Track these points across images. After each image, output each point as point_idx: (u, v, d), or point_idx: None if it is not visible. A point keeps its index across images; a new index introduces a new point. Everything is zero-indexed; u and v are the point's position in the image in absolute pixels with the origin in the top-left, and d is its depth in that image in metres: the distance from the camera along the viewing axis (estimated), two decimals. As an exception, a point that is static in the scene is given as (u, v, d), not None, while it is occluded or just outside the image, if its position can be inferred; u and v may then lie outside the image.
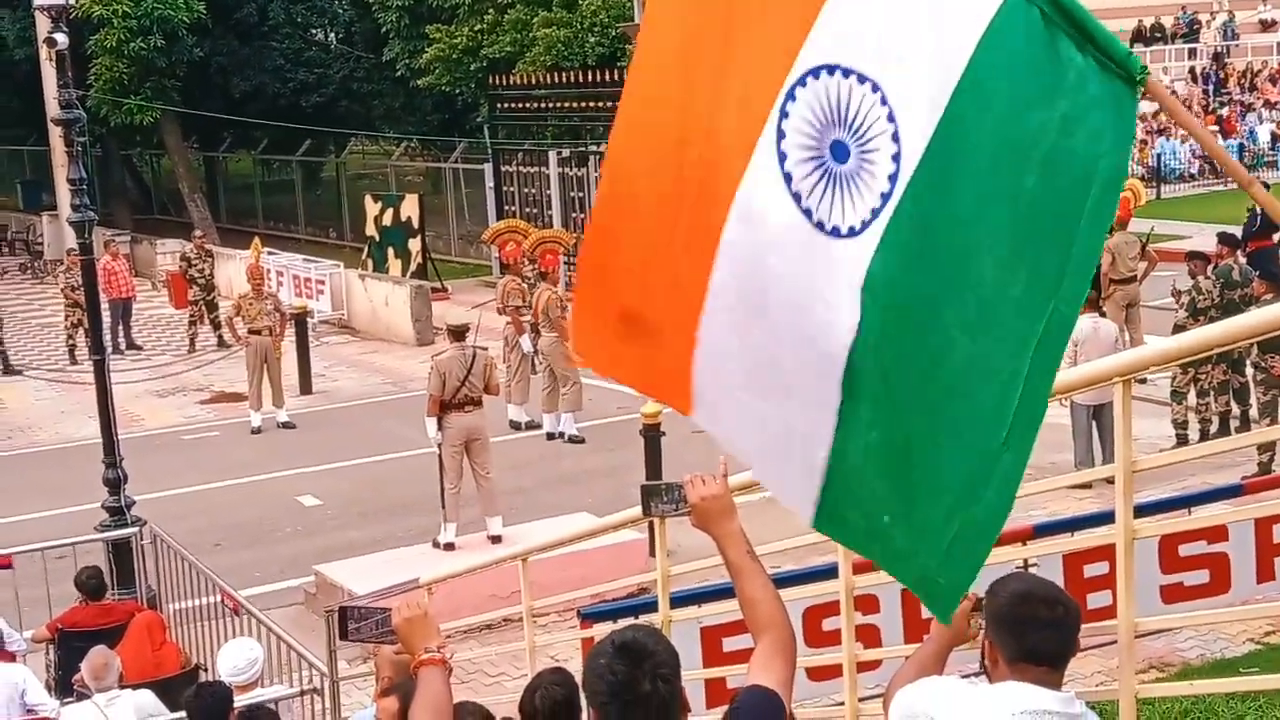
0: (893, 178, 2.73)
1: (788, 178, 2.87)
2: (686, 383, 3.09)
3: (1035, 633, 3.47)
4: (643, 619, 7.16)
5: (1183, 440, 13.83)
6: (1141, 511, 7.42)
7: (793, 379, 2.99)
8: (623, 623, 7.56)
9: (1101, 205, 2.73)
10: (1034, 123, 2.67)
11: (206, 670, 9.63)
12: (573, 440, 16.68)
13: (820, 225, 2.85)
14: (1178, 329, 13.52)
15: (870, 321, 2.80)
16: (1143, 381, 13.40)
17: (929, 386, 2.83)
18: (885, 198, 2.74)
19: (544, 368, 17.13)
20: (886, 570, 3.37)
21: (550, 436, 16.95)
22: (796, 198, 2.87)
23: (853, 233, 2.80)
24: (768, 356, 3.01)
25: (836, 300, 2.82)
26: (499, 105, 29.31)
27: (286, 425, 18.55)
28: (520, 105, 28.60)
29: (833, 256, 2.83)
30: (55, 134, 25.54)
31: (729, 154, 2.94)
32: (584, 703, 3.58)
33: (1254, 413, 13.80)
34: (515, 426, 17.34)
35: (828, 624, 6.76)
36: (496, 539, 12.57)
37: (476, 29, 30.74)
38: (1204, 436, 13.88)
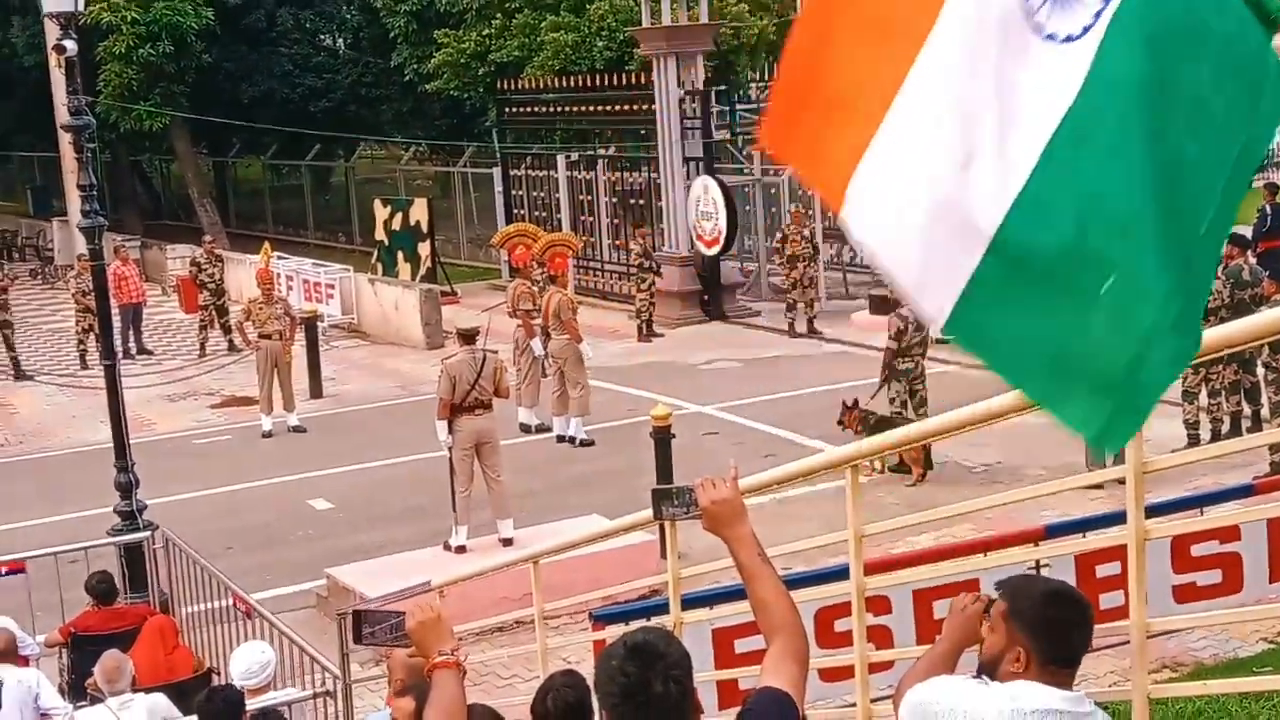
0: None
1: None
2: (845, 178, 2.93)
3: (1073, 634, 3.49)
4: (654, 621, 7.17)
5: (1194, 440, 13.81)
6: (1153, 512, 7.42)
7: (982, 144, 2.77)
8: (635, 624, 7.58)
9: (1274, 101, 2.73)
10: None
11: (219, 674, 9.65)
12: (583, 444, 16.70)
13: (1040, 29, 2.77)
14: (1188, 329, 13.48)
15: (1086, 104, 2.66)
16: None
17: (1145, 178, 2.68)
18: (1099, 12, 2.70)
19: (554, 371, 17.15)
20: (1027, 391, 3.03)
21: (560, 439, 16.97)
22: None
23: (1071, 39, 2.74)
24: (958, 125, 2.80)
25: (1052, 93, 2.70)
26: (507, 109, 29.34)
27: (297, 429, 18.59)
28: (528, 109, 28.62)
29: (1053, 61, 2.71)
30: (65, 140, 25.60)
31: None
32: (596, 705, 3.59)
33: (1265, 412, 13.77)
34: (526, 429, 17.37)
35: (839, 625, 6.77)
36: (508, 541, 12.58)
37: (484, 34, 30.78)
38: (1215, 436, 13.86)
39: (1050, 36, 2.74)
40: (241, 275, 26.84)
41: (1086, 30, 2.71)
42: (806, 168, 3.17)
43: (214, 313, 24.64)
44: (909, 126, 2.84)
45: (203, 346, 24.41)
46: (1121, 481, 3.77)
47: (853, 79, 2.93)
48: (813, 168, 3.11)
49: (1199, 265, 2.80)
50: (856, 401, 14.60)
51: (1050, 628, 3.51)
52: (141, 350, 24.74)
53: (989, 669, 3.63)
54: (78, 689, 9.09)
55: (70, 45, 11.26)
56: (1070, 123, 2.71)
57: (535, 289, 18.40)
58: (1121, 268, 2.68)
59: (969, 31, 2.79)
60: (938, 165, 2.81)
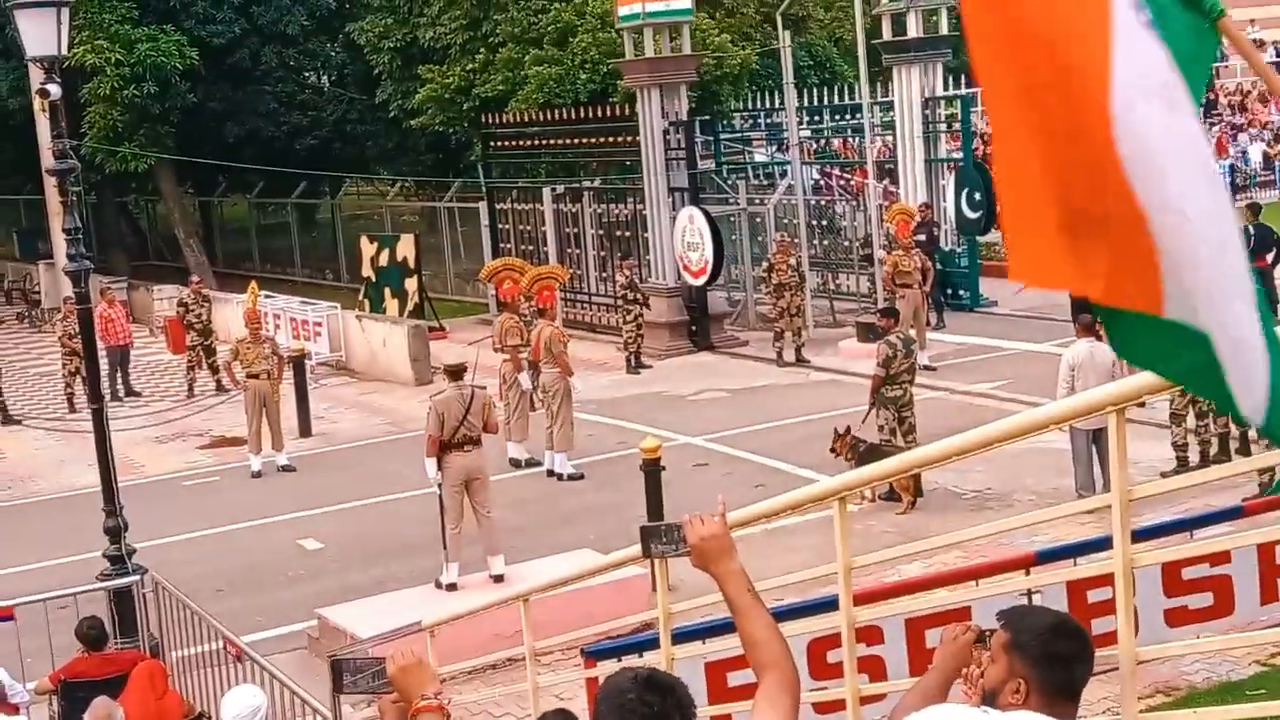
0: None
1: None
2: (1155, 278, 2.65)
3: (1075, 667, 3.49)
4: (646, 657, 7.15)
5: (1183, 462, 13.83)
6: (1144, 535, 7.43)
7: (1222, 245, 2.60)
8: (626, 660, 7.56)
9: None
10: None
11: (210, 718, 9.60)
12: (571, 478, 16.68)
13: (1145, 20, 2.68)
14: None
15: None
16: (1141, 405, 13.40)
17: None
18: None
19: (545, 404, 17.14)
20: None
21: (551, 474, 16.95)
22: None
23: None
24: (1203, 218, 2.60)
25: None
26: (492, 144, 29.42)
27: (286, 468, 18.54)
28: (513, 143, 28.70)
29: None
30: (50, 183, 25.64)
31: (1086, 25, 2.60)
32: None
33: (1253, 433, 13.80)
34: (515, 464, 17.34)
35: (831, 656, 6.75)
36: (499, 578, 12.55)
37: (468, 69, 30.88)
38: (1204, 458, 13.89)
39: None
40: (229, 315, 26.81)
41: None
42: (1100, 290, 2.82)
43: (202, 353, 24.59)
44: (1163, 217, 2.62)
45: (191, 387, 24.35)
46: (1109, 507, 3.78)
47: (1070, 181, 2.71)
48: (1108, 287, 2.78)
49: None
50: (849, 429, 14.62)
51: (1052, 661, 3.51)
52: (129, 392, 24.67)
53: (989, 699, 3.62)
54: (68, 736, 9.04)
55: (54, 89, 11.29)
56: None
57: (523, 323, 18.40)
58: None
59: (1132, 42, 2.61)
60: (1204, 257, 2.63)
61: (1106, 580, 5.94)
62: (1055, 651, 3.49)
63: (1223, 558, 8.13)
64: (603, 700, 3.23)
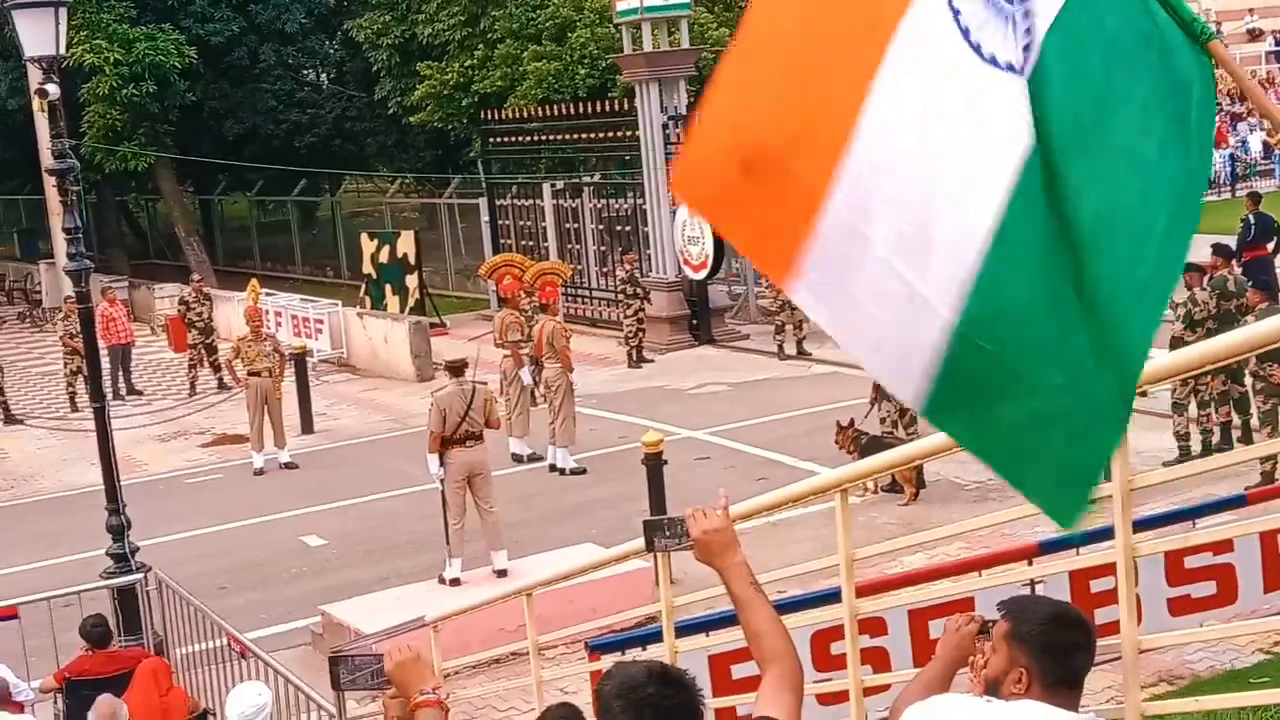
0: (1029, 31, 2.69)
1: (956, 11, 2.75)
2: (793, 252, 2.82)
3: (1076, 656, 3.50)
4: (650, 650, 7.16)
5: (1185, 452, 13.83)
6: (1146, 525, 7.43)
7: (938, 228, 2.73)
8: (631, 654, 7.57)
9: (1205, 112, 2.79)
10: (1144, 27, 2.74)
11: (215, 715, 9.62)
12: (573, 473, 16.69)
13: (991, 59, 2.71)
14: (1174, 341, 13.54)
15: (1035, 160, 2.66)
16: (1143, 394, 13.40)
17: (1092, 236, 2.67)
18: (1028, 45, 2.68)
19: (548, 399, 17.14)
20: (999, 470, 3.11)
21: (553, 469, 16.96)
22: (965, 32, 2.74)
23: (1013, 69, 2.72)
24: (915, 201, 2.75)
25: (1006, 131, 2.68)
26: (492, 140, 29.41)
27: (289, 466, 18.56)
28: (513, 139, 28.69)
29: (1002, 88, 2.69)
30: (50, 183, 25.65)
31: None
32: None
33: (1255, 421, 13.80)
34: (517, 459, 17.35)
35: (835, 648, 6.77)
36: (502, 573, 12.56)
37: (467, 65, 30.88)
38: (1206, 447, 13.88)
39: (992, 60, 2.71)
40: (230, 313, 26.82)
41: (1025, 61, 2.70)
42: (733, 228, 3.03)
43: (203, 351, 24.60)
44: (859, 198, 2.75)
45: (192, 385, 24.37)
46: (1110, 497, 3.78)
47: (789, 136, 2.80)
48: (743, 231, 2.97)
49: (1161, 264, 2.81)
50: (852, 421, 14.63)
51: (1053, 650, 3.52)
52: (131, 391, 24.69)
53: (992, 689, 3.63)
54: (73, 734, 9.05)
55: (53, 89, 11.28)
56: (1020, 193, 2.68)
57: (523, 318, 18.41)
58: (1066, 361, 2.73)
59: (913, 73, 2.72)
60: (891, 244, 2.75)
61: (1109, 570, 5.95)
62: (1056, 641, 3.50)
63: (1225, 546, 8.15)
64: (616, 696, 3.19)
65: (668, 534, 4.34)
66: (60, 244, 24.53)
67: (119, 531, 11.37)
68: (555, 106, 27.41)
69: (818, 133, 2.76)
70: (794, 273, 2.85)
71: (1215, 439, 14.00)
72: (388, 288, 27.76)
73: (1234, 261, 15.66)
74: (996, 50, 2.69)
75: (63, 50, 11.49)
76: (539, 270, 19.89)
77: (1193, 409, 14.12)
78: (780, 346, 22.14)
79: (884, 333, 2.83)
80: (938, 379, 2.82)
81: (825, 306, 2.90)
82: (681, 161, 2.98)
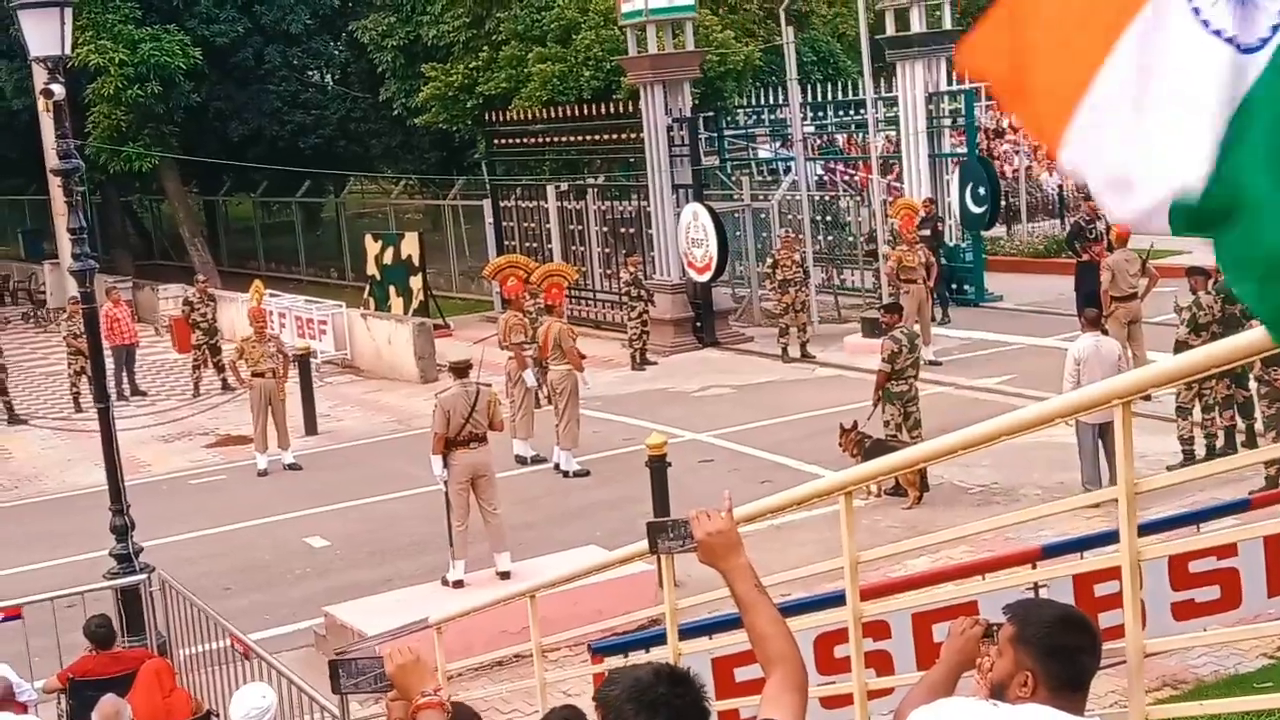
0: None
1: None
2: (1064, 122, 3.10)
3: (1081, 659, 3.50)
4: (653, 652, 7.16)
5: (1189, 456, 13.82)
6: (1150, 529, 7.43)
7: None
8: (634, 656, 7.57)
9: None
10: None
11: (218, 716, 9.62)
12: (576, 475, 16.69)
13: (1221, 34, 2.89)
14: (1179, 345, 13.53)
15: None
16: (1147, 398, 13.39)
17: None
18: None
19: (554, 401, 17.15)
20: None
21: (557, 469, 16.96)
22: (1195, 11, 2.92)
23: (1249, 50, 2.85)
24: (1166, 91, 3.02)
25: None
26: (496, 141, 29.43)
27: (293, 467, 18.56)
28: (517, 141, 28.71)
29: (1233, 64, 2.87)
30: (55, 183, 25.64)
31: None
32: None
33: (1259, 426, 13.78)
34: (521, 461, 17.36)
35: (839, 651, 6.76)
36: (505, 575, 12.56)
37: (472, 66, 30.88)
38: (1210, 451, 13.87)
39: (1217, 33, 2.87)
40: (234, 314, 26.84)
41: (1264, 43, 2.82)
42: (1012, 99, 3.31)
43: (207, 352, 24.62)
44: (1119, 90, 3.02)
45: (196, 386, 24.38)
46: (1115, 501, 3.78)
47: (1070, 27, 3.08)
48: (1022, 103, 3.25)
49: None
50: (856, 424, 14.63)
51: (1058, 653, 3.52)
52: (135, 391, 24.71)
53: (998, 692, 3.63)
54: (77, 735, 9.05)
55: (58, 89, 11.30)
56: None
57: (528, 320, 18.41)
58: None
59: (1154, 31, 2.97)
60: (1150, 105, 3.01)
61: (1113, 574, 5.95)
62: (1061, 644, 3.50)
63: (1229, 551, 8.13)
64: (628, 700, 3.20)
65: (671, 536, 4.33)
66: (65, 244, 24.50)
67: (122, 532, 11.38)
68: (560, 108, 27.42)
69: (1081, 49, 3.06)
70: (1063, 143, 3.12)
71: (1219, 443, 13.98)
72: (392, 289, 27.77)
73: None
74: (1234, 29, 2.87)
75: (68, 50, 11.50)
76: (545, 272, 19.89)
77: (1197, 413, 14.12)
78: (784, 349, 22.13)
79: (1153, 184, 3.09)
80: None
81: (1086, 166, 3.14)
82: (973, 36, 3.28)
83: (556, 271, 20.28)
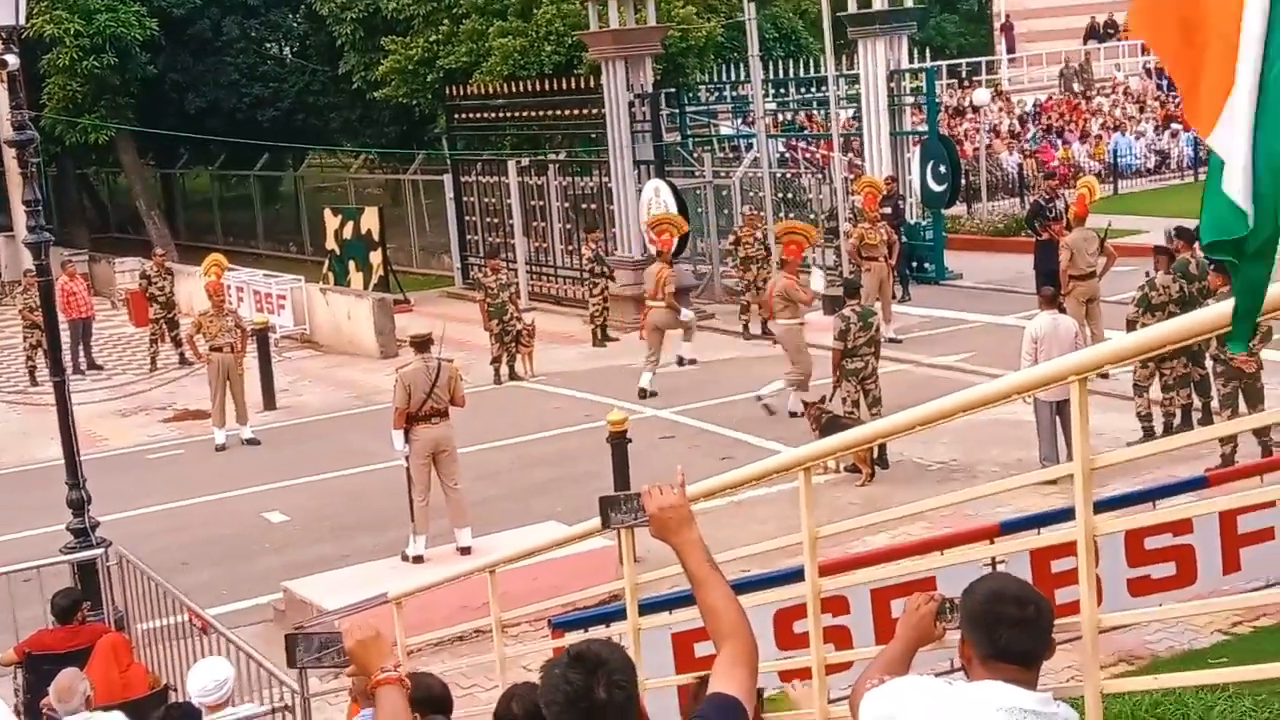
0: None
1: None
2: (1217, 107, 3.16)
3: (1005, 630, 3.52)
4: (613, 627, 7.18)
5: (1149, 433, 13.94)
6: (1107, 506, 7.49)
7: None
8: (594, 631, 7.59)
9: None
10: None
11: (176, 691, 9.57)
12: (768, 409, 17.03)
13: None
14: (1130, 324, 13.64)
15: None
16: (1104, 376, 13.48)
17: None
18: None
19: (785, 353, 17.37)
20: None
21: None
22: None
23: None
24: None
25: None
26: (457, 116, 29.28)
27: (251, 442, 18.47)
28: (478, 116, 28.57)
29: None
30: (9, 155, 25.34)
31: None
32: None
33: (1215, 404, 13.91)
34: (643, 395, 18.55)
35: (798, 627, 6.79)
36: (466, 550, 12.55)
37: (432, 40, 30.68)
38: (1168, 429, 13.99)
39: None
40: (191, 288, 26.61)
41: None
42: (1183, 79, 3.36)
43: (164, 326, 24.44)
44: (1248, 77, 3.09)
45: (154, 360, 24.20)
46: (1072, 479, 3.80)
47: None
48: (1183, 77, 3.32)
49: None
50: (823, 398, 14.70)
51: (984, 623, 3.55)
52: (91, 365, 24.51)
53: (964, 667, 3.68)
54: (33, 709, 8.99)
55: (12, 60, 11.15)
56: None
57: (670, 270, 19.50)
58: None
59: None
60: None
61: (1070, 549, 6.00)
62: (992, 613, 3.53)
63: (1185, 527, 8.22)
64: (543, 672, 3.31)
65: (624, 510, 4.35)
66: (20, 217, 24.26)
67: (79, 506, 11.29)
68: (521, 83, 27.30)
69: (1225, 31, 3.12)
70: (1214, 129, 3.19)
71: (1176, 421, 14.10)
72: (351, 264, 27.63)
73: (1196, 245, 15.74)
74: None
75: (23, 20, 11.34)
76: (785, 229, 19.68)
77: (1155, 391, 14.22)
78: (745, 326, 22.16)
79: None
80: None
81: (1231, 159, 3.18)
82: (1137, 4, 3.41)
83: (796, 229, 19.96)
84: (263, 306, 25.76)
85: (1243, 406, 13.09)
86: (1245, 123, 3.05)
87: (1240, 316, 3.36)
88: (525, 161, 27.32)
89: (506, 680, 6.88)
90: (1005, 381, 4.33)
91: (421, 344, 13.14)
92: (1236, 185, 3.08)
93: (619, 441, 12.80)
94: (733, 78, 33.06)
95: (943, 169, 23.74)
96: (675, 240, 20.41)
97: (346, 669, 4.39)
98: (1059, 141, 35.35)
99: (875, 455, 14.33)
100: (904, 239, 23.05)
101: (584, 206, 26.04)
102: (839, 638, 7.23)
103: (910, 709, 3.66)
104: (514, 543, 10.77)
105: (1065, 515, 7.44)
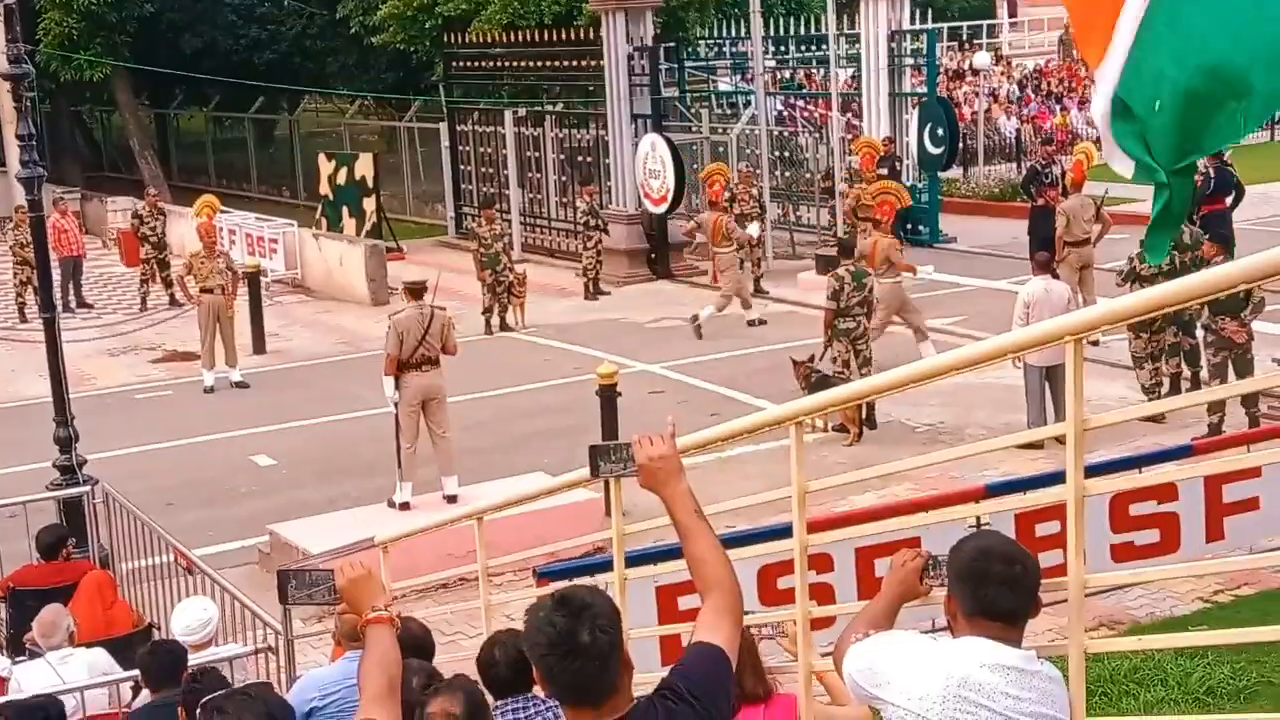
0: None
1: None
2: (1106, 40, 3.50)
3: (991, 588, 3.53)
4: (598, 578, 7.19)
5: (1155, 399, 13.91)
6: (1093, 471, 7.49)
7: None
8: (579, 581, 7.60)
9: None
10: None
11: (160, 629, 9.59)
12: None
13: None
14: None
15: None
16: (1095, 344, 13.47)
17: None
18: None
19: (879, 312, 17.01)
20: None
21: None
22: None
23: None
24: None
25: None
26: (454, 64, 29.10)
27: (240, 385, 18.44)
28: (476, 64, 28.40)
29: None
30: (3, 89, 25.20)
31: None
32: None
33: (1204, 374, 13.93)
34: (695, 326, 19.19)
35: (782, 583, 6.81)
36: (452, 499, 12.57)
37: (432, -14, 30.43)
38: (1157, 399, 13.98)
39: None
40: (183, 229, 26.49)
41: None
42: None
43: (155, 267, 24.35)
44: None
45: (144, 301, 24.13)
46: (1061, 440, 3.80)
47: None
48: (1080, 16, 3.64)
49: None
50: (812, 357, 14.70)
51: (970, 580, 3.57)
52: (81, 304, 24.44)
53: (949, 623, 3.70)
54: (17, 644, 9.01)
55: (8, -8, 11.06)
56: None
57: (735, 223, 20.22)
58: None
59: None
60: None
61: (1054, 513, 6.01)
62: (980, 570, 3.55)
63: (1170, 494, 8.23)
64: (527, 615, 3.32)
65: (613, 459, 4.34)
66: (13, 152, 24.09)
67: (66, 444, 11.28)
68: (520, 33, 27.11)
69: None
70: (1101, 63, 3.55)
71: (1165, 390, 14.11)
72: (344, 210, 27.51)
73: (1191, 214, 15.73)
74: None
75: (19, -47, 11.25)
76: (879, 188, 19.60)
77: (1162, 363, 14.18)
78: (737, 283, 22.13)
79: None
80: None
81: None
82: None
83: (890, 190, 19.88)
84: (254, 250, 25.66)
85: (1232, 377, 13.10)
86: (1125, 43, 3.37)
87: (1154, 228, 3.69)
88: (522, 112, 27.18)
89: (490, 628, 6.90)
90: (997, 341, 4.32)
91: (416, 291, 13.10)
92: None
93: (608, 395, 12.80)
94: (733, 34, 32.85)
95: (940, 132, 23.66)
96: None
97: (338, 607, 4.40)
98: (1057, 107, 35.23)
99: (864, 416, 14.36)
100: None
101: (580, 159, 25.94)
102: (822, 594, 7.24)
103: (894, 663, 3.67)
104: (501, 492, 10.78)
105: (1051, 480, 7.46)
